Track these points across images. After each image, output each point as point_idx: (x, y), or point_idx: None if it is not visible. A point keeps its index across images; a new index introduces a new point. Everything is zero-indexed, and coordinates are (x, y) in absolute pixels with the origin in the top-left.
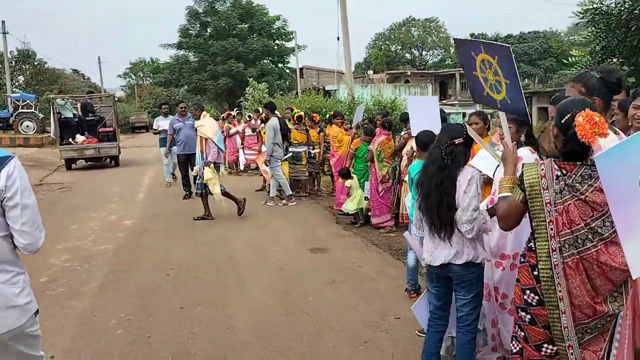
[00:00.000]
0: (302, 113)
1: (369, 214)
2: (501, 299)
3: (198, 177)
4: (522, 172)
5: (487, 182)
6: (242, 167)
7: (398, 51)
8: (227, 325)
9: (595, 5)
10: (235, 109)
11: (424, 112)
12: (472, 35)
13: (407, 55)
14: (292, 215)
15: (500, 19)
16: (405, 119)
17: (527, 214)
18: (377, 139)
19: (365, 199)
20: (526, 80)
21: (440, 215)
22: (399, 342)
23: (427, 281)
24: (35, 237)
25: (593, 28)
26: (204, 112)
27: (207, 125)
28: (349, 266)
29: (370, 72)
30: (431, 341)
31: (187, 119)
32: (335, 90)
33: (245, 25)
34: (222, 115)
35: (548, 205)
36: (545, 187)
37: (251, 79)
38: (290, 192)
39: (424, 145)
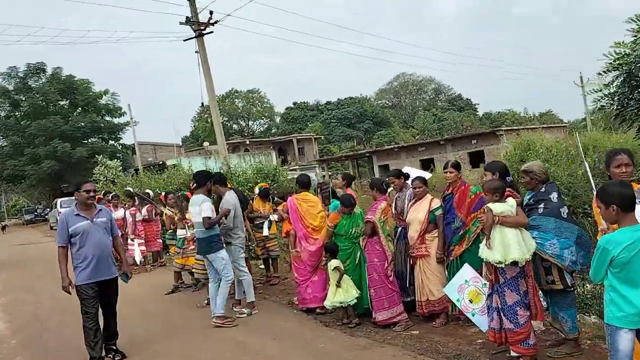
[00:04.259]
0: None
1: (370, 307)
2: None
3: None
4: None
5: None
6: (138, 262)
7: (225, 122)
8: None
9: (627, 51)
10: (105, 193)
11: None
12: (294, 103)
13: (235, 125)
14: (263, 326)
15: (315, 86)
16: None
17: None
18: (378, 206)
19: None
20: (348, 142)
21: None
22: None
23: None
24: None
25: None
26: None
27: None
28: None
29: (206, 143)
30: None
31: (97, 213)
32: (177, 163)
33: (66, 102)
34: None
35: None
36: None
37: (100, 156)
38: (253, 298)
39: None
